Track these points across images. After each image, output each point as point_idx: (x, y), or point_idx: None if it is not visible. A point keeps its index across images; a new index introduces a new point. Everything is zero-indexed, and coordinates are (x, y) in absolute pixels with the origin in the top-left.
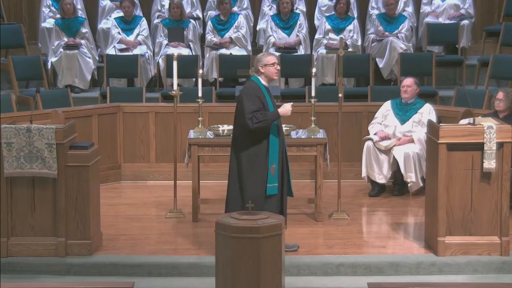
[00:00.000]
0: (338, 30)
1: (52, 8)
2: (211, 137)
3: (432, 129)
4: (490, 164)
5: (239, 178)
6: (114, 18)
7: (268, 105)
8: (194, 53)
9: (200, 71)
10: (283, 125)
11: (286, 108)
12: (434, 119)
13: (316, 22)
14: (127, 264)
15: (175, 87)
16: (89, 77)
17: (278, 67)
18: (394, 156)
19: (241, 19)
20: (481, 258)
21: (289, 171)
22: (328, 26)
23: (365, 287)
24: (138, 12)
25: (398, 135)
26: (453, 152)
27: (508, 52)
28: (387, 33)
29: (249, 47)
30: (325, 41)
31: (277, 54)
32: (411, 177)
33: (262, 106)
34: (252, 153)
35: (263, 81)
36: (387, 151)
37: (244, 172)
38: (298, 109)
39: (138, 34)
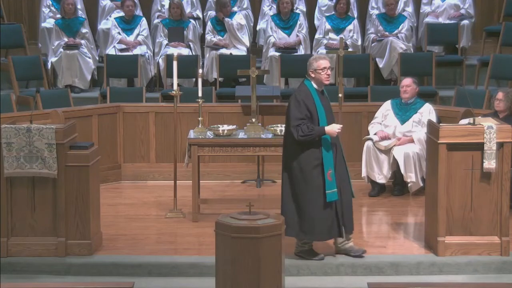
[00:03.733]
0: (338, 30)
1: (52, 8)
2: (211, 137)
3: (432, 129)
4: (490, 164)
5: (291, 188)
6: (114, 18)
7: (318, 112)
8: (194, 53)
9: (200, 71)
10: (284, 125)
11: (333, 129)
12: (434, 119)
13: (316, 22)
14: (127, 264)
15: (175, 87)
16: (89, 77)
17: (329, 72)
18: (394, 156)
19: (238, 17)
20: (481, 258)
21: (348, 173)
22: (328, 26)
23: (365, 287)
24: (138, 12)
25: (398, 135)
26: (453, 152)
27: (508, 52)
28: (387, 33)
29: (248, 44)
30: (325, 41)
31: (277, 54)
32: (411, 177)
33: (309, 115)
34: (304, 160)
35: (315, 85)
36: (387, 151)
37: (297, 181)
38: None
39: (138, 34)
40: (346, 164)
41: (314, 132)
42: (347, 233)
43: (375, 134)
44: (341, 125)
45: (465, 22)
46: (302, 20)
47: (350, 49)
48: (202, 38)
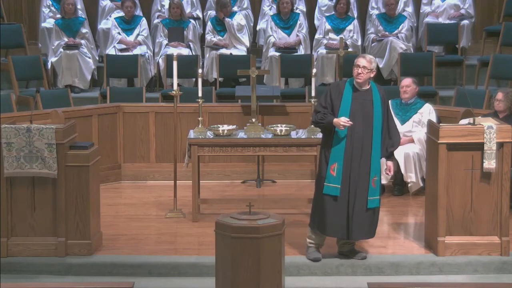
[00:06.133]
0: (338, 30)
1: (52, 8)
2: (211, 137)
3: (432, 129)
4: (490, 164)
5: None
6: (114, 18)
7: (340, 107)
8: (194, 53)
9: (200, 71)
10: (284, 125)
11: (338, 121)
12: (434, 119)
13: (316, 22)
14: (127, 264)
15: (175, 87)
16: (89, 77)
17: (360, 71)
18: (394, 156)
19: (238, 17)
20: (481, 258)
21: (371, 183)
22: (328, 26)
23: (365, 287)
24: (138, 12)
25: None
26: (453, 152)
27: (508, 52)
28: (387, 33)
29: (248, 44)
30: (325, 41)
31: (277, 54)
32: (411, 177)
33: (331, 104)
34: (321, 152)
35: (354, 82)
36: None
37: (317, 172)
38: (298, 109)
39: (138, 34)
40: (372, 174)
41: (325, 121)
42: (351, 239)
43: None
44: (348, 119)
45: (465, 22)
46: (302, 20)
47: (350, 49)
48: (202, 38)
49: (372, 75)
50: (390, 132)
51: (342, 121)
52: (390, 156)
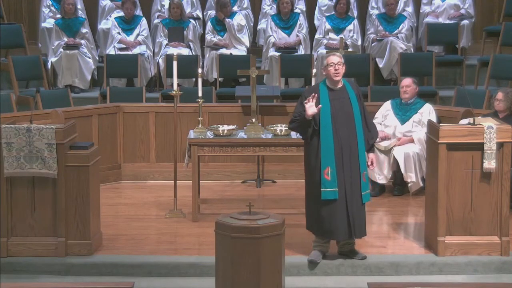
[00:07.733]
0: (338, 30)
1: (52, 8)
2: (211, 137)
3: (432, 129)
4: (490, 164)
5: (304, 182)
6: (114, 18)
7: (321, 109)
8: (194, 53)
9: (200, 71)
10: (284, 125)
11: (306, 107)
12: (434, 119)
13: (316, 22)
14: (127, 264)
15: (175, 87)
16: (89, 77)
17: (337, 67)
18: (394, 156)
19: (239, 17)
20: (481, 258)
21: (362, 180)
22: (328, 26)
23: (365, 287)
24: (138, 12)
25: (398, 135)
26: (453, 152)
27: (508, 52)
28: (387, 33)
29: (248, 44)
30: (325, 41)
31: (277, 54)
32: (411, 177)
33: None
34: (307, 157)
35: (328, 83)
36: (387, 151)
37: (305, 176)
38: None
39: (138, 34)
40: (361, 170)
41: (299, 116)
42: (354, 237)
43: None
44: (309, 100)
45: (465, 22)
46: (302, 20)
47: (350, 49)
48: (202, 38)
49: (344, 69)
50: (368, 125)
51: (308, 104)
52: (371, 149)
